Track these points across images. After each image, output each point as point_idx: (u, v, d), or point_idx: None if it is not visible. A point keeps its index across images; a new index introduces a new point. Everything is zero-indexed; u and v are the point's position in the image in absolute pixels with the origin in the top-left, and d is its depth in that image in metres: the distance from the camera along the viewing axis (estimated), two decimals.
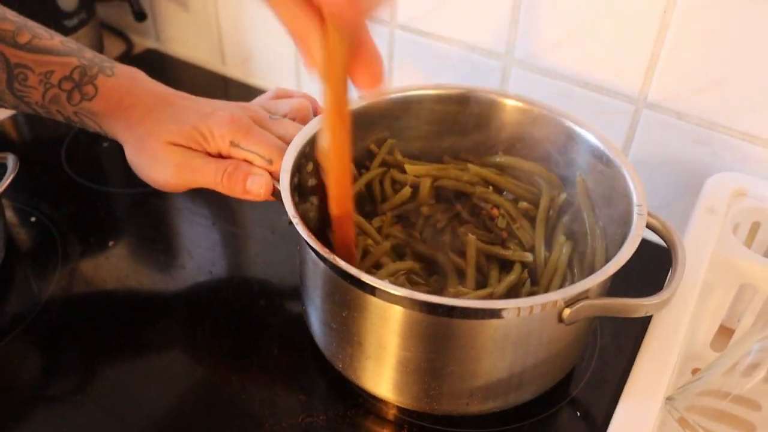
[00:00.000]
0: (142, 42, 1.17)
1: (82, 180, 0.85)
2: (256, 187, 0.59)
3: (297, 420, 0.59)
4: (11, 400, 0.62)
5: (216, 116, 0.60)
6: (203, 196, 0.82)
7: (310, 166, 0.62)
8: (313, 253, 0.51)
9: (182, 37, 1.12)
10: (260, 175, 0.59)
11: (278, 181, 0.57)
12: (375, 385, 0.58)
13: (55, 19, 1.00)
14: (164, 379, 0.63)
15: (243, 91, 1.05)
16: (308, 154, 0.61)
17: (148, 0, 1.10)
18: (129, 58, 1.13)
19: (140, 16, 1.04)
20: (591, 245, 0.62)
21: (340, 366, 0.60)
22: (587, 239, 0.63)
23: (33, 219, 0.79)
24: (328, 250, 0.50)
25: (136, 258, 0.75)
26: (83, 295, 0.71)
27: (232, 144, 0.60)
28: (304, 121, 0.64)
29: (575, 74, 0.77)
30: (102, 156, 0.91)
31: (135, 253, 0.76)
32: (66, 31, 1.01)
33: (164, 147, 0.60)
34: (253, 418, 0.59)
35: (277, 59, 1.01)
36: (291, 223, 0.53)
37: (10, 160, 0.65)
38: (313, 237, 0.51)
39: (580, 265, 0.64)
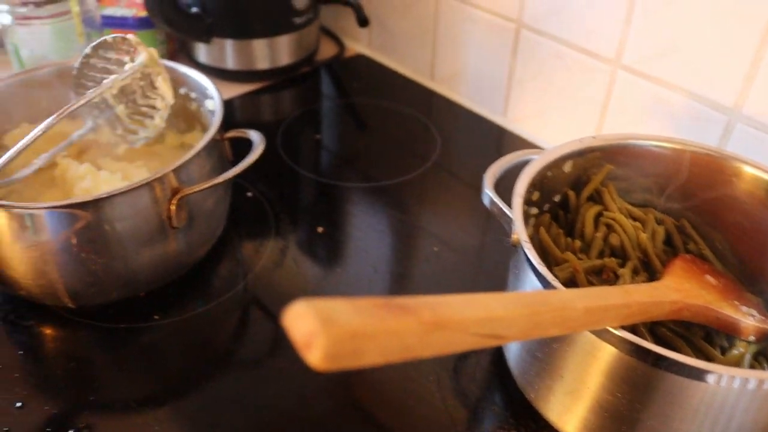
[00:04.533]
0: (354, 46, 1.23)
1: (294, 166, 0.90)
2: None
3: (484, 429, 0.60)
4: (205, 358, 0.67)
5: None
6: (417, 201, 0.85)
7: (536, 195, 0.63)
8: (536, 279, 0.52)
9: (394, 47, 1.16)
10: None
11: None
12: (566, 423, 0.57)
13: (287, 15, 1.06)
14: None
15: (447, 107, 1.07)
16: (536, 183, 0.62)
17: (368, 7, 1.15)
18: (340, 61, 1.19)
19: (363, 21, 1.09)
20: None
21: (532, 396, 0.60)
22: None
23: (249, 194, 0.84)
24: (556, 280, 0.50)
25: (344, 247, 0.78)
26: (289, 271, 0.75)
27: None
28: None
29: None
30: (313, 146, 0.96)
31: (343, 242, 0.79)
32: (294, 27, 1.08)
33: None
34: (444, 419, 0.61)
35: (488, 81, 1.03)
36: (515, 245, 0.54)
37: (256, 137, 0.70)
38: (542, 264, 0.52)
39: None
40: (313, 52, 1.16)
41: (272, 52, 1.10)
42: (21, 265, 0.64)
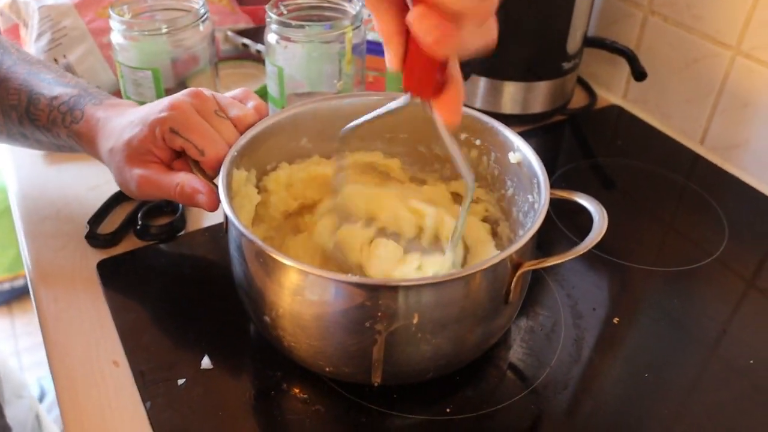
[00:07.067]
0: (607, 97, 1.12)
1: (565, 231, 0.81)
2: (202, 204, 0.64)
3: None
4: None
5: (159, 104, 0.67)
6: (712, 298, 0.73)
7: None
8: None
9: (658, 102, 1.05)
10: (205, 192, 0.64)
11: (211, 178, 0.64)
12: None
13: (557, 59, 0.97)
14: None
15: (717, 178, 0.94)
16: None
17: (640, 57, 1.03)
18: (590, 111, 1.08)
19: (640, 75, 0.98)
20: None
21: None
22: None
23: None
24: None
25: (643, 339, 0.69)
26: (590, 371, 0.65)
27: (171, 131, 0.64)
28: (241, 130, 0.67)
29: None
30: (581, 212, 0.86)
31: (642, 335, 0.69)
32: (560, 72, 0.99)
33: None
34: None
35: None
36: None
37: (594, 210, 0.60)
38: None
39: None
40: (568, 101, 1.06)
41: (527, 98, 1.01)
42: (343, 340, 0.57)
